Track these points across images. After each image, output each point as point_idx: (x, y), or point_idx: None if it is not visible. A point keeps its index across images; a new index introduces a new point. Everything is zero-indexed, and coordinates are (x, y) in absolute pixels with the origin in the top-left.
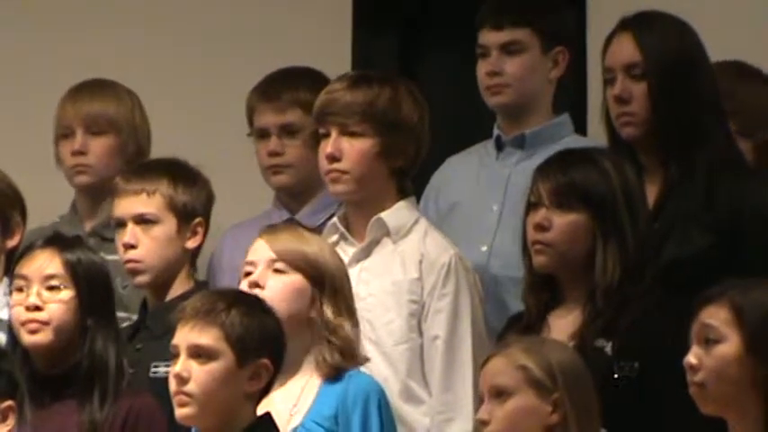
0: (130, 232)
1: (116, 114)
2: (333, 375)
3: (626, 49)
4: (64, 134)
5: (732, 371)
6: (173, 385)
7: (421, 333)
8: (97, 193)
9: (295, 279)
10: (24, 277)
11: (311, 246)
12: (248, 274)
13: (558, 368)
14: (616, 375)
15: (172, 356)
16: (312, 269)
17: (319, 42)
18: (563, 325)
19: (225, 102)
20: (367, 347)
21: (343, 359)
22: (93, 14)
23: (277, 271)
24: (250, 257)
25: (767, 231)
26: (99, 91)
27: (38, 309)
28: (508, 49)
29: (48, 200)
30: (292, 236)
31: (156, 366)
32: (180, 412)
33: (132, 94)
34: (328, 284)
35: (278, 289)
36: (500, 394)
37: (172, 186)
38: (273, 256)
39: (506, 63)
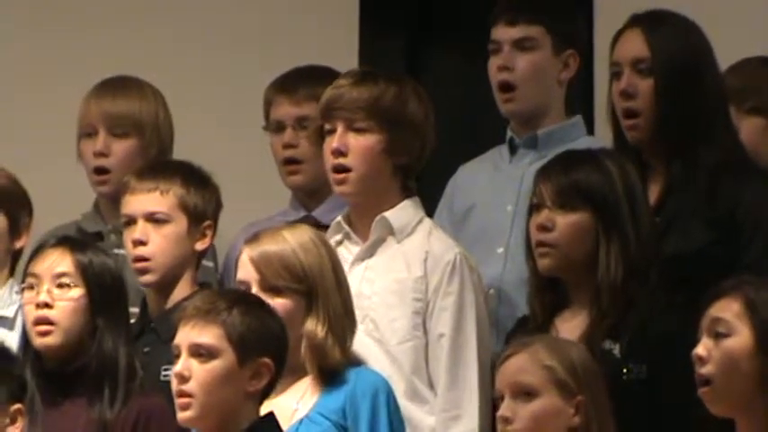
0: (141, 229)
1: (140, 114)
2: (327, 378)
3: (634, 44)
4: (87, 133)
5: (741, 365)
6: (174, 384)
7: (425, 331)
8: (118, 196)
9: (283, 303)
10: (35, 275)
11: (294, 256)
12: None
13: (580, 369)
14: (625, 377)
15: (174, 357)
16: (301, 284)
17: (327, 42)
18: (569, 329)
19: (229, 100)
20: (371, 346)
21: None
22: (112, 13)
23: (267, 292)
24: (240, 276)
25: None
26: (123, 90)
27: (47, 306)
28: (520, 45)
29: (70, 196)
30: (271, 246)
31: (167, 370)
32: (181, 415)
33: (157, 93)
34: (320, 293)
35: None
36: (524, 393)
37: (185, 187)
38: (258, 277)
39: (517, 59)
